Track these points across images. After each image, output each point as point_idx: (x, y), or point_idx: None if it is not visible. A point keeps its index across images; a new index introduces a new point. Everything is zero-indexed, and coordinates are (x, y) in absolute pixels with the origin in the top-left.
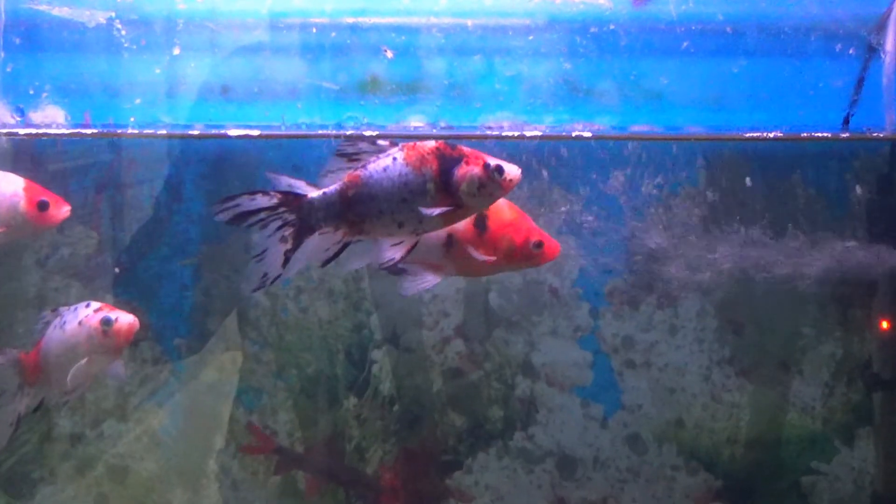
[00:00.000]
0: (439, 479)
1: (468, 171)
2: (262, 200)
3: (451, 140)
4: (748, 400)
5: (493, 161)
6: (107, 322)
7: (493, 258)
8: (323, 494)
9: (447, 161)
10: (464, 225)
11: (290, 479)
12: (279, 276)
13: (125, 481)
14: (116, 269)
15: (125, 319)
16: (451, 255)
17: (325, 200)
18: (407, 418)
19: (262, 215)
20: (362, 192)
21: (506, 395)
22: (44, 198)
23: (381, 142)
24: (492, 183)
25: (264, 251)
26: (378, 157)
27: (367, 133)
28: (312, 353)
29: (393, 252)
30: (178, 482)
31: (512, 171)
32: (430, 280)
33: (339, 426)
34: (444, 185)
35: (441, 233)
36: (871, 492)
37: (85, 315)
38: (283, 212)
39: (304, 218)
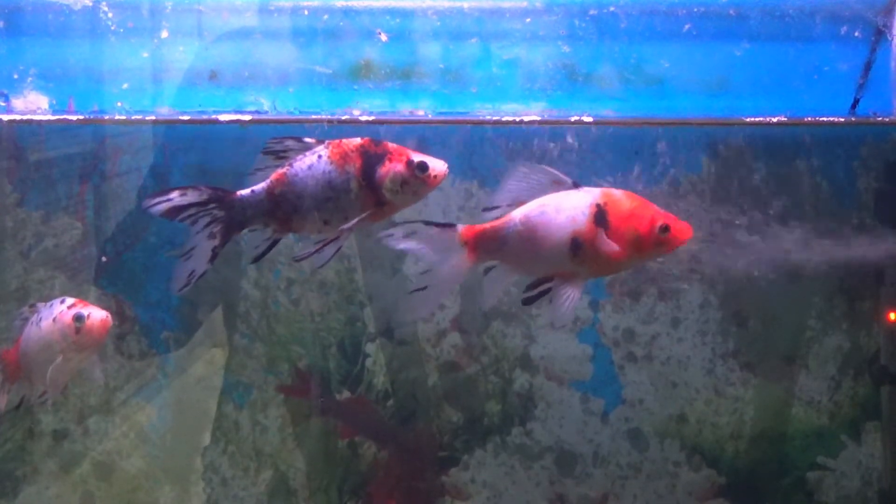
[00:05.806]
0: (435, 475)
1: (391, 168)
2: (192, 196)
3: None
4: (752, 394)
5: (417, 157)
6: (79, 318)
7: (622, 251)
8: (314, 493)
9: (370, 158)
10: (585, 225)
11: (282, 477)
12: (204, 273)
13: (111, 479)
14: (104, 259)
15: (98, 316)
16: (580, 258)
17: (253, 198)
18: (401, 413)
19: (192, 211)
20: (288, 191)
21: (503, 389)
22: None
23: (307, 139)
24: (415, 180)
25: (192, 248)
26: (304, 155)
27: (362, 119)
28: (304, 347)
29: (306, 251)
30: (165, 479)
31: (437, 167)
32: (573, 294)
33: (332, 421)
34: (367, 182)
35: (564, 238)
36: (878, 487)
37: (59, 311)
38: (213, 208)
39: (232, 215)
